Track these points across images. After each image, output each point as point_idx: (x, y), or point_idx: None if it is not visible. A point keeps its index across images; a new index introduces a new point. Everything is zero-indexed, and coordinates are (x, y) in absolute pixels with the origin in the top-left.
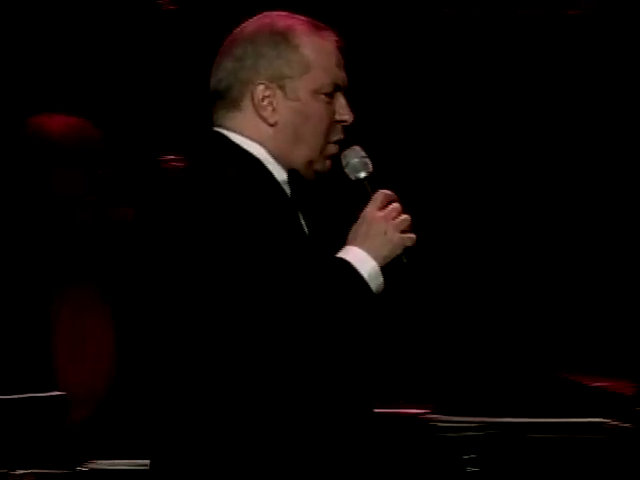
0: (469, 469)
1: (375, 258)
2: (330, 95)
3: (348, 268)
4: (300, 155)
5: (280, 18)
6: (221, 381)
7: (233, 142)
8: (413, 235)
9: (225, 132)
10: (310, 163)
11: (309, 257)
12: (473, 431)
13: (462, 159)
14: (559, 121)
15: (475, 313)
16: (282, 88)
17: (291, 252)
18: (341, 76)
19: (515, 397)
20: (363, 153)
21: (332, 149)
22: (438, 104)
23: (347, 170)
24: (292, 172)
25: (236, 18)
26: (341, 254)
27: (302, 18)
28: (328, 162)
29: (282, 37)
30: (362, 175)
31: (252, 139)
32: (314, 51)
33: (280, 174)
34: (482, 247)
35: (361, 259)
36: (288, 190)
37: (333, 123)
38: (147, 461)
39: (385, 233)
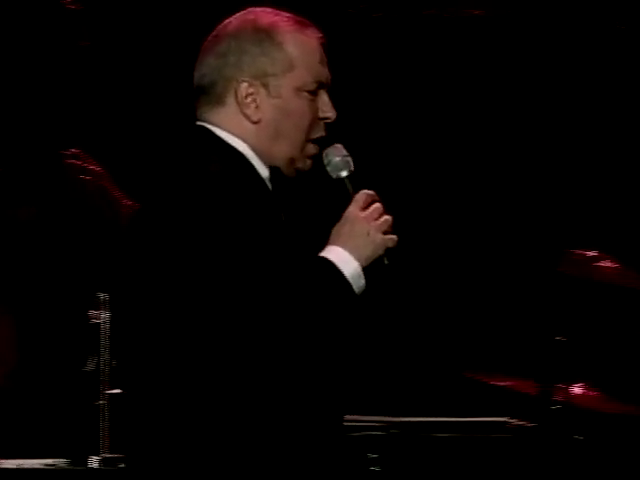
0: (373, 468)
1: (358, 259)
2: (313, 93)
3: (331, 268)
4: (281, 151)
5: (264, 15)
6: (203, 378)
7: (218, 137)
8: (394, 236)
9: (209, 127)
10: (291, 160)
11: (290, 254)
12: (376, 430)
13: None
14: (467, 121)
15: (380, 312)
16: (265, 86)
17: (274, 250)
18: (324, 73)
19: (419, 396)
20: (345, 152)
21: (312, 149)
22: (349, 102)
23: (329, 168)
24: (273, 169)
25: (138, 16)
26: (324, 253)
27: (286, 15)
28: (309, 161)
29: (266, 34)
30: (344, 174)
31: (235, 135)
32: (298, 49)
33: (263, 171)
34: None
35: (344, 259)
36: (270, 187)
37: (316, 120)
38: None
39: (368, 234)
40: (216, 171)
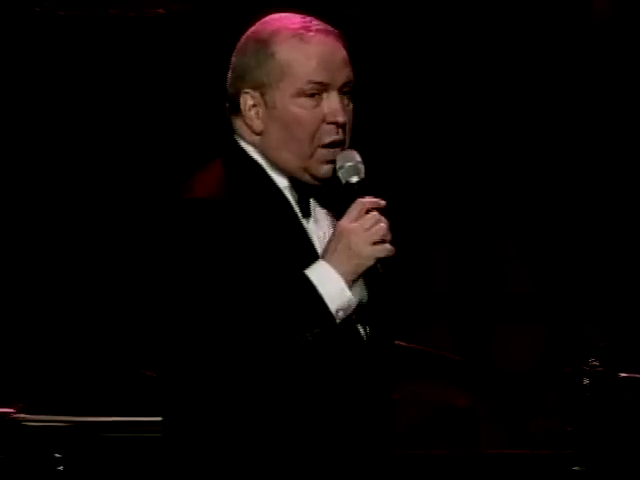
0: (58, 468)
1: (342, 273)
2: (312, 96)
3: (306, 284)
4: (288, 161)
5: (270, 24)
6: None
7: (241, 148)
8: (388, 246)
9: (237, 138)
10: (303, 169)
11: (283, 265)
12: (62, 430)
13: None
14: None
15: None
16: (263, 96)
17: (257, 263)
18: (326, 76)
19: (102, 396)
20: (359, 158)
21: (326, 154)
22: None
23: (339, 173)
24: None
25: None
26: (309, 268)
27: (297, 20)
28: (326, 167)
29: (262, 45)
30: (353, 180)
31: (251, 145)
32: (290, 55)
33: (281, 180)
34: None
35: (324, 275)
36: (292, 196)
37: (322, 125)
38: None
39: (350, 247)
40: (213, 182)
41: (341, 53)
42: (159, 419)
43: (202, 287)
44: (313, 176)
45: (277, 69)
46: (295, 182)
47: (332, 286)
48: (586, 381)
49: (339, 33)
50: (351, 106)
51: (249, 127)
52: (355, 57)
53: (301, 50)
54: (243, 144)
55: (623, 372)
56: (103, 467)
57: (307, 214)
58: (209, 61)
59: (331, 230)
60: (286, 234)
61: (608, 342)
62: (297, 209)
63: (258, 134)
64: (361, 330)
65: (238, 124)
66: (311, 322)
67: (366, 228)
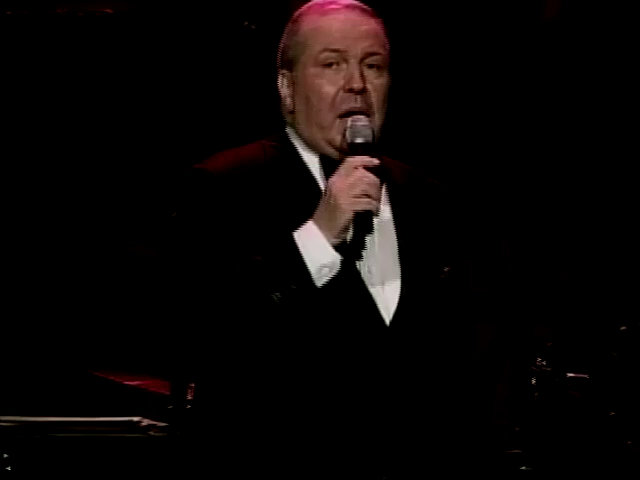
0: (6, 468)
1: (323, 229)
2: (330, 65)
3: (289, 241)
4: (313, 136)
5: (306, 5)
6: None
7: (284, 132)
8: (366, 199)
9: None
10: (327, 142)
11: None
12: (6, 430)
13: None
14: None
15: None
16: (292, 74)
17: (253, 230)
18: (344, 44)
19: (50, 396)
20: (369, 124)
21: (344, 124)
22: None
23: (347, 132)
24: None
25: None
26: (299, 228)
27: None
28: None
29: (292, 25)
30: (358, 140)
31: (290, 126)
32: (310, 29)
33: (311, 159)
34: None
35: (307, 232)
36: (321, 175)
37: (341, 93)
38: None
39: (330, 202)
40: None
41: (364, 25)
42: (107, 419)
43: (190, 246)
44: (336, 148)
45: (300, 44)
46: (325, 160)
47: (313, 242)
48: (534, 381)
49: (371, 10)
50: (382, 80)
51: (286, 107)
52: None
53: (319, 22)
54: (287, 129)
55: (570, 372)
56: (51, 467)
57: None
58: (157, 60)
59: None
60: (298, 207)
61: (556, 342)
62: (323, 186)
63: (291, 112)
64: (383, 312)
65: (281, 107)
66: (287, 278)
67: (349, 183)
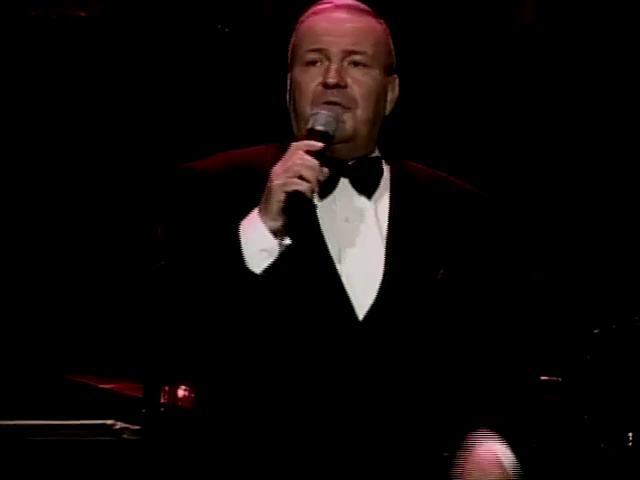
0: None
1: (262, 215)
2: (314, 64)
3: (233, 230)
4: (301, 131)
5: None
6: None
7: (293, 133)
8: (298, 181)
9: None
10: None
11: None
12: None
13: None
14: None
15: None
16: (290, 73)
17: (222, 225)
18: (325, 43)
19: (23, 399)
20: (335, 116)
21: None
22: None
23: (310, 119)
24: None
25: None
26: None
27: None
28: (341, 125)
29: (295, 26)
30: (317, 128)
31: (295, 127)
32: (302, 30)
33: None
34: None
35: (249, 218)
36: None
37: (319, 88)
38: None
39: (266, 186)
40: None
41: (349, 23)
42: (80, 422)
43: (168, 236)
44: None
45: (295, 46)
46: (325, 160)
47: (251, 226)
48: None
49: (366, 9)
50: (368, 78)
51: (289, 108)
52: None
53: (310, 22)
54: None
55: (544, 375)
56: (24, 470)
57: (327, 192)
58: (131, 63)
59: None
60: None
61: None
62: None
63: (291, 113)
64: (356, 307)
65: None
66: (225, 264)
67: (286, 166)
